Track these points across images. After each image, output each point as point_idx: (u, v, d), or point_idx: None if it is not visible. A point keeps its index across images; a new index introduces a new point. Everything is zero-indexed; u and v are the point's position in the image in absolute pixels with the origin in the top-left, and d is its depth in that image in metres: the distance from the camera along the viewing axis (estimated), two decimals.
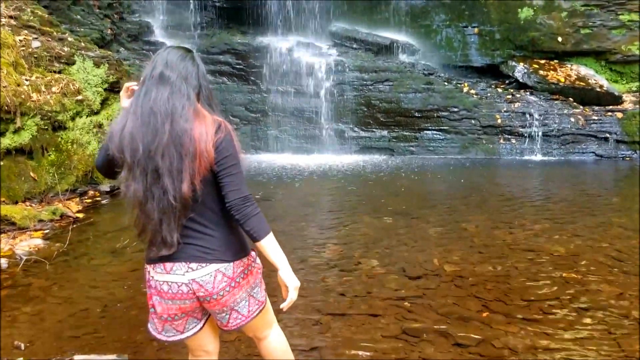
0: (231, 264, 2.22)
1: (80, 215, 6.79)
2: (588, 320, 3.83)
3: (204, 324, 2.38)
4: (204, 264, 2.16)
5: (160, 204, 2.06)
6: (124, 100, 2.39)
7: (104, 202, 7.61)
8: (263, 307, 2.42)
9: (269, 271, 2.56)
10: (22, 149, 6.95)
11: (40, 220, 6.30)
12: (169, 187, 2.04)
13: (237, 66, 12.50)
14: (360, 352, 3.40)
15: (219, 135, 2.11)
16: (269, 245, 2.21)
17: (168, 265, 2.16)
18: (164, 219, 2.08)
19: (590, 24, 12.47)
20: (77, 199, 7.47)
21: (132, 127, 2.08)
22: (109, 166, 2.25)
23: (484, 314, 3.94)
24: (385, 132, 12.07)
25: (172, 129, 2.04)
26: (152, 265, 2.21)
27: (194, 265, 2.16)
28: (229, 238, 2.24)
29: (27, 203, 6.82)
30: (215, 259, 2.18)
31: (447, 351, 3.42)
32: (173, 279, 2.17)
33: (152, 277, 2.23)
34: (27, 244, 5.61)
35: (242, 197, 2.15)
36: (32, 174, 7.01)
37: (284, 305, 2.25)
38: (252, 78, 12.34)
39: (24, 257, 5.17)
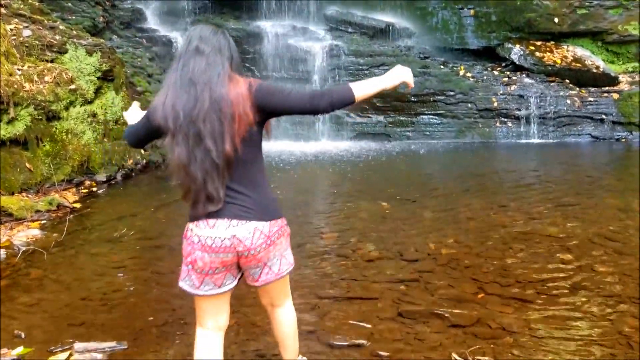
0: (268, 223, 2.39)
1: (77, 206, 6.79)
2: (583, 300, 3.86)
3: (237, 283, 2.52)
4: (244, 222, 2.33)
5: (203, 165, 2.25)
6: (132, 114, 2.76)
7: (100, 192, 7.61)
8: (292, 267, 2.59)
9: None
10: (16, 140, 6.92)
11: (37, 211, 6.30)
12: (212, 148, 2.23)
13: None
14: (357, 335, 3.43)
15: (251, 89, 2.29)
16: (362, 91, 2.41)
17: (211, 221, 2.32)
18: (207, 178, 2.26)
19: (587, 4, 12.39)
20: (74, 189, 7.47)
21: (173, 98, 2.28)
22: (145, 137, 2.55)
23: (480, 296, 3.97)
24: (381, 118, 12.05)
25: (210, 96, 2.24)
26: (195, 222, 2.36)
27: (234, 222, 2.32)
28: (265, 199, 2.42)
29: (24, 194, 6.82)
30: (255, 217, 2.35)
31: (443, 332, 3.45)
32: (216, 234, 2.32)
33: (196, 233, 2.36)
34: (25, 235, 5.62)
35: (309, 99, 2.34)
36: (27, 164, 7.00)
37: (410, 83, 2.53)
38: (247, 64, 12.28)
39: (22, 248, 5.18)
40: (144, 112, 2.55)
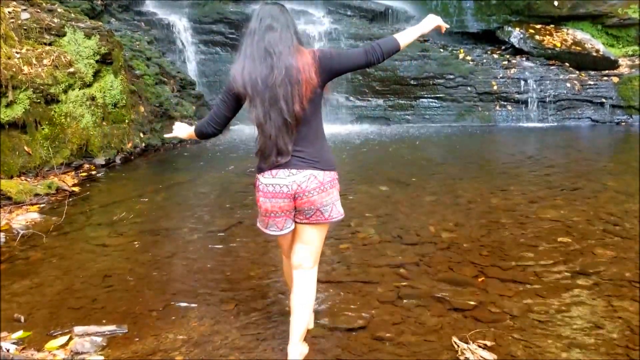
0: (322, 172, 2.76)
1: (76, 189, 6.78)
2: (583, 284, 3.86)
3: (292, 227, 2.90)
4: (301, 170, 2.72)
5: (276, 123, 2.62)
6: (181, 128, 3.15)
7: (99, 175, 7.60)
8: (342, 217, 2.92)
9: None
10: (15, 123, 6.89)
11: (36, 195, 6.29)
12: (284, 108, 2.60)
13: (231, 36, 12.35)
14: (357, 319, 3.44)
15: (315, 57, 2.66)
16: (405, 40, 2.83)
17: (274, 171, 2.73)
18: (279, 134, 2.64)
19: None
20: (73, 173, 7.45)
21: (249, 67, 2.65)
22: (229, 112, 2.81)
23: (480, 279, 3.97)
24: (380, 101, 12.01)
25: (284, 65, 2.60)
26: (262, 173, 2.78)
27: (294, 170, 2.71)
28: (321, 152, 2.79)
29: (23, 177, 6.80)
30: (311, 166, 2.73)
31: (443, 316, 3.45)
32: (277, 182, 2.73)
33: (262, 182, 2.78)
34: (24, 218, 5.61)
35: (364, 55, 2.73)
36: (26, 148, 6.98)
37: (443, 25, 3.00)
38: None
39: (21, 231, 5.17)
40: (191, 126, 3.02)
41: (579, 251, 4.45)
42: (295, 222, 2.88)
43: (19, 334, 3.35)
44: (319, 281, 3.94)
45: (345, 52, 2.80)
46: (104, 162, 7.98)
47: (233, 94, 2.74)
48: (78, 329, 3.34)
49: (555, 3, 12.41)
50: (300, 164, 2.72)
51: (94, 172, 7.66)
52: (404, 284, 3.93)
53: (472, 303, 3.59)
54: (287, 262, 3.10)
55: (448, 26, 3.02)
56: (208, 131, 2.90)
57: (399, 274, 4.10)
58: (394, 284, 3.92)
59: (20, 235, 5.09)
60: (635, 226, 4.94)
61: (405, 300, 3.67)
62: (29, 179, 6.80)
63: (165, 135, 3.54)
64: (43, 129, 7.28)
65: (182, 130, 3.12)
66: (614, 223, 5.06)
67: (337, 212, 2.87)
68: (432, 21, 2.94)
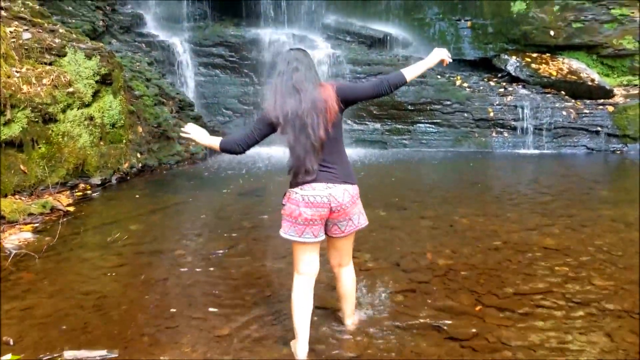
0: (352, 186, 3.32)
1: (71, 209, 6.74)
2: (580, 314, 3.83)
3: (324, 237, 3.36)
4: (337, 184, 3.22)
5: (305, 146, 3.11)
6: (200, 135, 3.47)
7: (94, 195, 7.56)
8: (367, 223, 3.47)
9: None
10: (12, 142, 6.87)
11: (30, 214, 6.24)
12: (312, 134, 3.10)
13: (230, 58, 12.43)
14: (351, 347, 3.39)
15: (334, 88, 3.20)
16: (412, 74, 3.32)
17: (314, 184, 3.19)
18: (307, 156, 3.13)
19: (582, 17, 12.50)
20: (68, 192, 7.41)
21: (281, 101, 3.16)
22: (260, 137, 3.31)
23: (477, 308, 3.94)
24: (378, 125, 12.06)
25: (310, 99, 3.12)
26: (300, 187, 3.21)
27: (330, 184, 3.21)
28: (348, 168, 3.33)
29: (17, 196, 6.76)
30: (344, 181, 3.25)
31: (440, 345, 3.41)
32: (317, 193, 3.19)
33: (301, 194, 3.20)
34: (17, 238, 5.56)
35: (372, 88, 3.27)
36: (22, 166, 6.94)
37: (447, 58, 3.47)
38: (245, 70, 12.29)
39: (14, 251, 5.12)
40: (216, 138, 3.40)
41: (577, 281, 4.42)
42: (329, 236, 3.37)
43: (8, 357, 3.29)
44: (314, 307, 3.92)
45: (356, 85, 3.42)
46: (99, 182, 7.95)
47: (267, 123, 3.23)
48: (68, 354, 3.29)
49: (552, 33, 12.56)
50: (334, 178, 3.21)
51: (89, 192, 7.63)
52: (401, 311, 3.89)
53: (469, 332, 3.55)
54: (300, 282, 3.33)
55: (451, 60, 3.45)
56: (236, 150, 3.32)
57: (396, 301, 4.06)
58: (390, 312, 3.88)
59: (12, 255, 5.04)
60: (633, 256, 4.93)
61: (401, 329, 3.63)
62: (23, 198, 6.76)
63: (181, 134, 3.62)
64: (40, 147, 7.26)
65: (201, 135, 3.45)
66: (612, 252, 5.04)
67: (363, 218, 3.43)
68: (438, 55, 3.42)
